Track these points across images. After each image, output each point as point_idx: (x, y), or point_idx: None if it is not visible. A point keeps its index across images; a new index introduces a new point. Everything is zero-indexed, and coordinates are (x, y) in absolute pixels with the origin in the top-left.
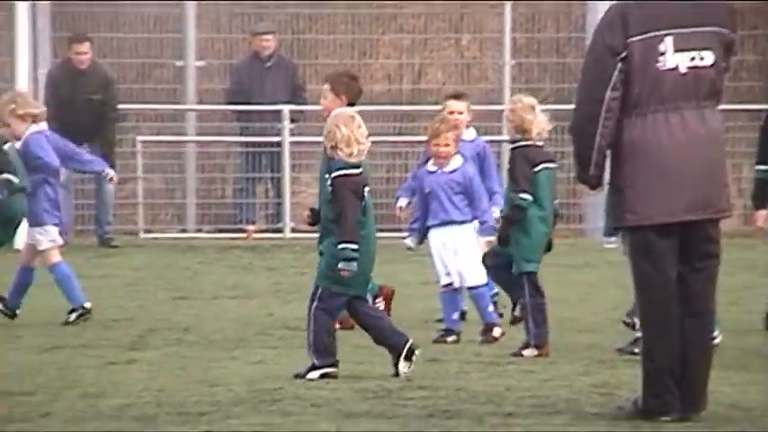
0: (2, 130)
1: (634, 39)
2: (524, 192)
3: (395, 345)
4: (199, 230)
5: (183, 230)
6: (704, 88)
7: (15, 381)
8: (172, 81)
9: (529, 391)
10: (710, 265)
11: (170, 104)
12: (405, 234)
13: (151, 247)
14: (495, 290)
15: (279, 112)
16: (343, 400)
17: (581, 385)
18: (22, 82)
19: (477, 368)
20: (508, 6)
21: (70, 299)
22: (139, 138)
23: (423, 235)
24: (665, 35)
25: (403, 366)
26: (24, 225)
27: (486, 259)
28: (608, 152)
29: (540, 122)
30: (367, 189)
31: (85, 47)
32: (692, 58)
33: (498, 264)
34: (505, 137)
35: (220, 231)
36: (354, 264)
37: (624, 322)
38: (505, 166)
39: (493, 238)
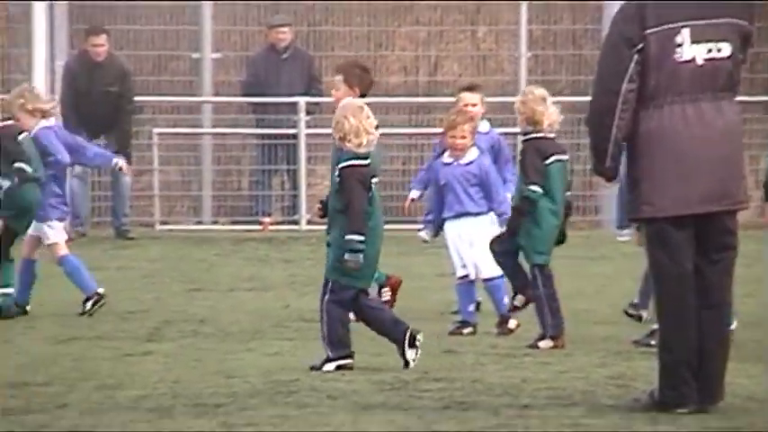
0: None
1: (651, 30)
2: (534, 184)
3: (397, 336)
4: (215, 222)
5: (199, 222)
6: (721, 80)
7: (31, 372)
8: (188, 73)
9: (545, 383)
10: (727, 256)
11: (186, 96)
12: (420, 226)
13: (167, 238)
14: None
15: (295, 104)
16: (360, 391)
17: (597, 377)
18: (39, 74)
19: (493, 360)
20: None
21: (83, 288)
22: (156, 130)
23: (438, 227)
24: (682, 27)
25: (410, 354)
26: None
27: (493, 245)
28: (624, 144)
29: (551, 114)
30: (375, 180)
31: (102, 39)
32: (710, 50)
33: (505, 250)
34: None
35: (236, 223)
36: (360, 255)
37: (627, 313)
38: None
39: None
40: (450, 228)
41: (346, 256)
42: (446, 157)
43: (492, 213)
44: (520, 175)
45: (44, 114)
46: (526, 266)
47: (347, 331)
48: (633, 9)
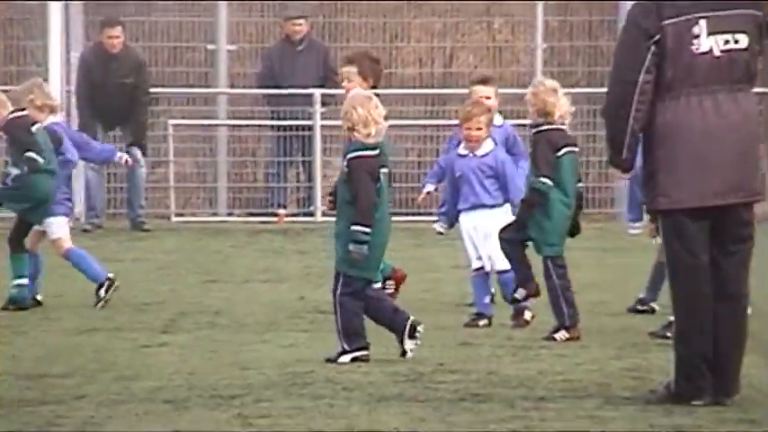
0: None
1: (668, 22)
2: (545, 176)
3: (396, 326)
4: (230, 214)
5: (215, 214)
6: (738, 71)
7: (48, 363)
8: (203, 65)
9: (561, 375)
10: (744, 248)
11: (201, 88)
12: (435, 218)
13: (182, 230)
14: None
15: (310, 95)
16: (375, 383)
17: (613, 369)
18: (55, 66)
19: (508, 352)
20: None
21: (93, 277)
22: (171, 121)
23: (453, 219)
24: (699, 18)
25: (408, 345)
26: None
27: (502, 232)
28: (640, 136)
29: (562, 105)
30: (383, 171)
31: (117, 31)
32: (727, 41)
33: (512, 238)
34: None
35: (252, 215)
36: (365, 247)
37: (636, 309)
38: None
39: None
40: (466, 220)
41: (350, 246)
42: (461, 149)
43: (507, 205)
44: (530, 167)
45: (52, 110)
46: (533, 260)
47: (361, 322)
48: (650, 1)
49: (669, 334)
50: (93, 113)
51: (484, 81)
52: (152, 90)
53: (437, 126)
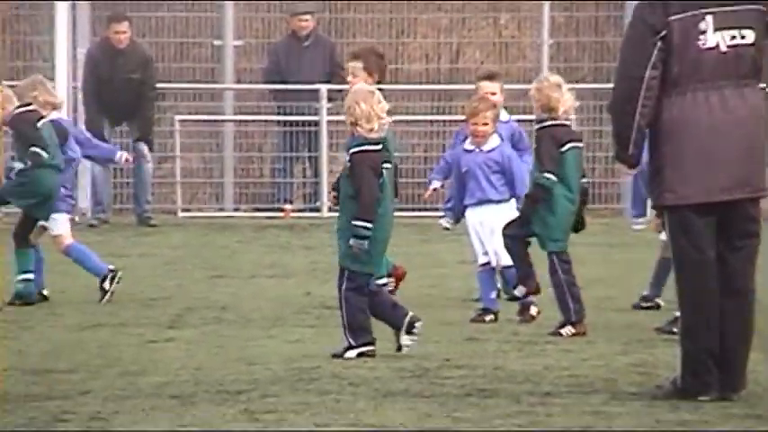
0: (37, 107)
1: (674, 18)
2: (548, 171)
3: (395, 321)
4: (236, 209)
5: (221, 209)
6: (745, 67)
7: (54, 359)
8: (210, 60)
9: (567, 371)
10: (750, 244)
11: (208, 84)
12: (441, 214)
13: (189, 225)
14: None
15: (316, 91)
16: (381, 378)
17: (619, 365)
18: (61, 62)
19: (514, 347)
20: None
21: (94, 271)
22: (177, 117)
23: (459, 214)
24: (706, 14)
25: (405, 340)
26: None
27: (505, 228)
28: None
29: (566, 101)
30: (386, 166)
31: (124, 26)
32: (733, 37)
33: (515, 234)
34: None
35: (258, 210)
36: (366, 242)
37: (640, 306)
38: None
39: None
40: (472, 215)
41: (351, 241)
42: (468, 145)
43: (513, 201)
44: (534, 163)
45: (54, 108)
46: (535, 258)
47: (368, 318)
48: None
49: (675, 329)
50: (100, 109)
51: (490, 77)
52: (159, 85)
53: (443, 122)
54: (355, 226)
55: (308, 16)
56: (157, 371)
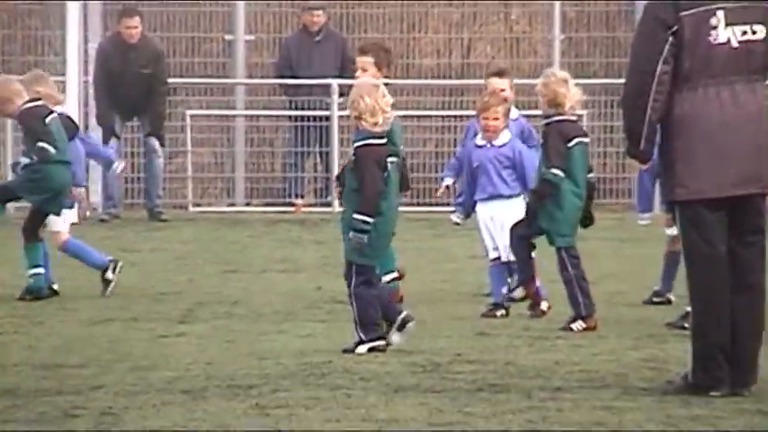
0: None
1: (686, 13)
2: (555, 167)
3: (388, 316)
4: (248, 204)
5: (232, 204)
6: (756, 62)
7: (65, 353)
8: (221, 55)
9: (578, 366)
10: (762, 239)
11: (219, 78)
12: (452, 209)
13: (200, 220)
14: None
15: (328, 86)
16: (392, 373)
17: (630, 360)
18: (72, 56)
19: (525, 342)
20: None
21: (94, 264)
22: (189, 111)
23: (470, 209)
24: (717, 9)
25: (395, 338)
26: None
27: (514, 228)
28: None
29: (573, 96)
30: (391, 160)
31: (135, 21)
32: (744, 32)
33: (522, 235)
34: None
35: (269, 205)
36: (365, 236)
37: (652, 302)
38: None
39: None
40: (482, 210)
41: (350, 234)
42: (479, 140)
43: (524, 196)
44: (541, 159)
45: (56, 104)
46: (544, 254)
47: (378, 312)
48: None
49: (686, 324)
50: (111, 104)
51: (499, 73)
52: (170, 80)
53: (455, 117)
54: (355, 219)
55: (319, 11)
56: (168, 366)
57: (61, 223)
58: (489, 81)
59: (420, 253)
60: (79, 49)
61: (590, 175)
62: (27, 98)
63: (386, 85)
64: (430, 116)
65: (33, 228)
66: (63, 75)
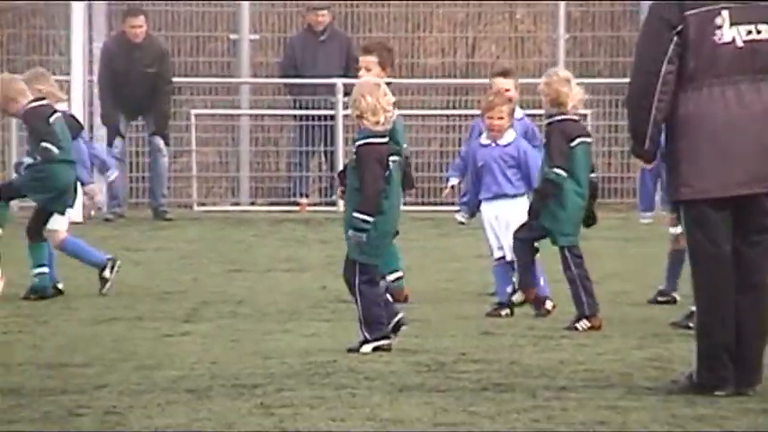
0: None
1: (690, 12)
2: (558, 167)
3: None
4: (252, 203)
5: (237, 203)
6: (761, 61)
7: (69, 353)
8: (226, 54)
9: (582, 365)
10: (767, 238)
11: (224, 78)
12: (456, 208)
13: (205, 219)
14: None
15: (333, 85)
16: (397, 373)
17: (634, 359)
18: (77, 56)
19: (530, 342)
20: None
21: (93, 263)
22: (193, 111)
23: (474, 208)
24: (722, 9)
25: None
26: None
27: (517, 231)
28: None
29: (575, 95)
30: (393, 159)
31: (140, 20)
32: (749, 32)
33: (525, 238)
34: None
35: (274, 204)
36: (364, 235)
37: (657, 301)
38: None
39: None
40: (487, 209)
41: (350, 233)
42: (484, 139)
43: (528, 195)
44: (544, 158)
45: (58, 101)
46: (547, 255)
47: (382, 311)
48: None
49: (691, 324)
50: (116, 103)
51: (504, 73)
52: (175, 79)
53: (459, 116)
54: (355, 218)
55: (324, 11)
56: (173, 365)
57: (60, 222)
58: (494, 81)
59: (425, 252)
60: (84, 49)
61: (593, 175)
62: (31, 97)
63: (390, 84)
64: (434, 115)
65: (38, 227)
66: (68, 74)
